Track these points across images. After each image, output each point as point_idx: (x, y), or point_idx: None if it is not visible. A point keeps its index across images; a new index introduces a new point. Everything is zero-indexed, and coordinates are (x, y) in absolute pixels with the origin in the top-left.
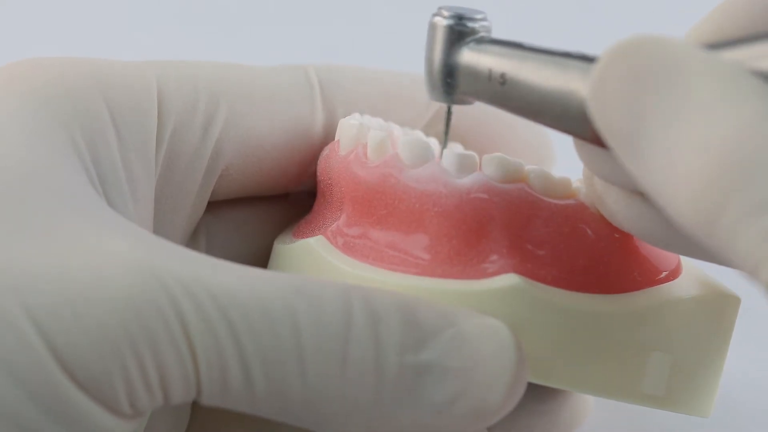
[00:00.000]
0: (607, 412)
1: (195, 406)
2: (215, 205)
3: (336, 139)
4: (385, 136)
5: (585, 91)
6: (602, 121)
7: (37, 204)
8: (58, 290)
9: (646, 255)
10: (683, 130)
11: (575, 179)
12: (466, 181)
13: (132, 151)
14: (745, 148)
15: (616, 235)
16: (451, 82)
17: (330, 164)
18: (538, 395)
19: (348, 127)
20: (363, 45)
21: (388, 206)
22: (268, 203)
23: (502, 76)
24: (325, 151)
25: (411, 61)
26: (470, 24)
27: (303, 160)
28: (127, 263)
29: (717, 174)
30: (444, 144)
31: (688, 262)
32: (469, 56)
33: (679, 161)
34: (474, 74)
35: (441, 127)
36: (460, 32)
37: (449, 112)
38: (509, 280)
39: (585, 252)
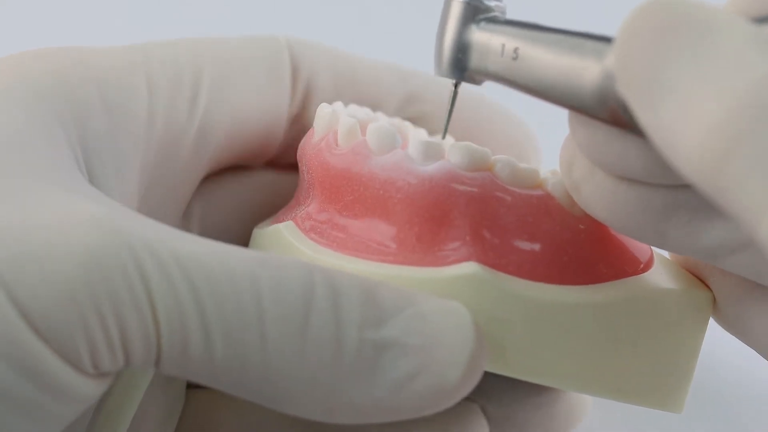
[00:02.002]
0: (606, 411)
1: (189, 393)
2: (207, 187)
3: (313, 126)
4: (354, 123)
5: (598, 67)
6: (624, 72)
7: (5, 167)
8: (20, 243)
9: (614, 247)
10: (703, 77)
11: (545, 171)
12: (430, 168)
13: (118, 127)
14: (764, 96)
15: (581, 227)
16: (462, 58)
17: (305, 151)
18: (534, 388)
19: (322, 115)
20: (353, 38)
21: (354, 192)
22: (258, 189)
23: (515, 51)
24: (303, 139)
25: (403, 58)
26: (486, 1)
27: (274, 124)
28: (92, 221)
29: (732, 118)
30: (447, 123)
31: (662, 257)
32: (482, 33)
33: (694, 105)
34: (486, 50)
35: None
36: (475, 8)
37: (456, 90)
38: (468, 268)
39: (548, 242)
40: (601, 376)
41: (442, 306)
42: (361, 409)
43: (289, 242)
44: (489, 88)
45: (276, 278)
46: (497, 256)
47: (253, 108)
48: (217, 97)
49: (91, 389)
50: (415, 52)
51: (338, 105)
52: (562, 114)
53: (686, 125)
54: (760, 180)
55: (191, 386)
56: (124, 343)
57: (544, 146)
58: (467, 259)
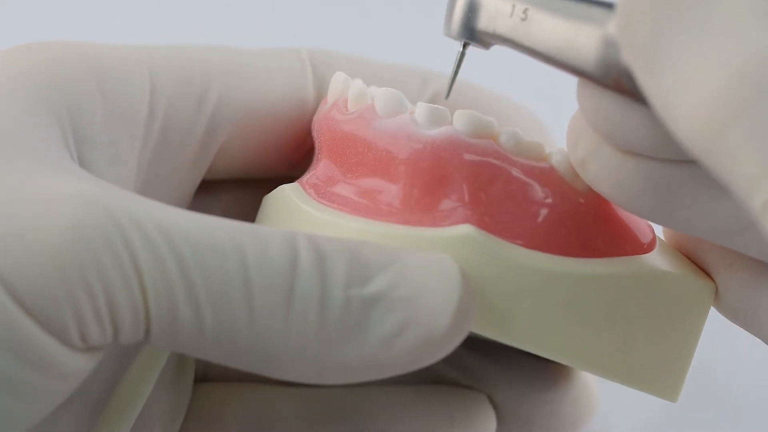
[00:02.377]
0: (612, 411)
1: (196, 386)
2: (213, 186)
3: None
4: (363, 88)
5: (604, 33)
6: (626, 37)
7: None
8: (5, 218)
9: (615, 225)
10: (708, 44)
11: (551, 147)
12: (434, 132)
13: (116, 117)
14: (765, 68)
15: (582, 201)
16: (471, 18)
17: (318, 118)
18: (542, 384)
19: (335, 84)
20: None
21: (358, 155)
22: (268, 186)
23: (525, 11)
24: (318, 109)
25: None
26: None
27: (297, 135)
28: (78, 196)
29: (732, 88)
30: (451, 82)
31: (665, 244)
32: None
33: (697, 73)
34: (495, 10)
35: None
36: None
37: (463, 52)
38: (463, 230)
39: (547, 213)
40: (594, 352)
41: (427, 258)
42: (352, 368)
43: (292, 202)
44: (499, 76)
45: (261, 248)
46: (494, 222)
47: (268, 117)
48: (228, 101)
49: (80, 364)
50: (414, 53)
51: (358, 81)
52: (571, 106)
53: (687, 93)
54: (756, 151)
55: (198, 380)
56: (113, 316)
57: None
58: (464, 221)
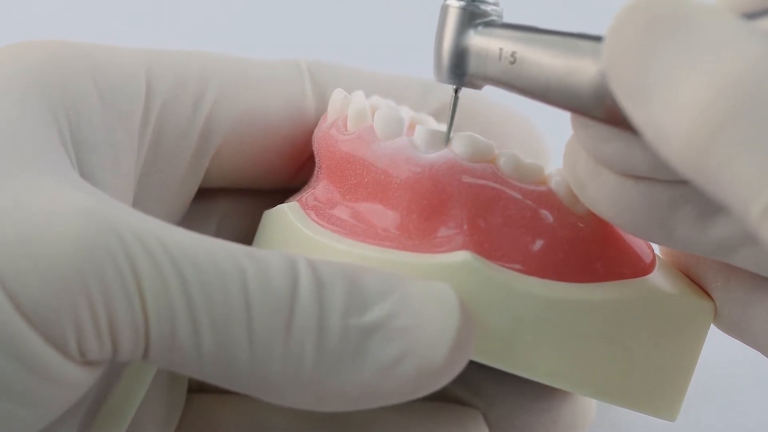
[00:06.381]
0: (612, 418)
1: (189, 396)
2: (211, 194)
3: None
4: (363, 108)
5: (595, 68)
6: (613, 70)
7: None
8: (11, 227)
9: (614, 249)
10: (688, 68)
11: (551, 169)
12: (432, 156)
13: (115, 118)
14: (750, 81)
15: (581, 225)
16: (460, 63)
17: (317, 135)
18: (538, 393)
19: (335, 100)
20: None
21: (357, 176)
22: (267, 196)
23: (513, 54)
24: (318, 125)
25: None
26: (482, 6)
27: (296, 144)
28: (81, 209)
29: (715, 102)
30: (449, 127)
31: (666, 264)
32: (479, 38)
33: (680, 95)
34: (484, 55)
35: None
36: (472, 13)
37: (456, 96)
38: (461, 256)
39: (546, 238)
40: (593, 377)
41: (427, 287)
42: (350, 395)
43: (290, 222)
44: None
45: (261, 270)
46: (492, 248)
47: (265, 124)
48: (224, 106)
49: (79, 377)
50: (415, 55)
51: (358, 93)
52: (567, 115)
53: (673, 115)
54: (746, 159)
55: (192, 389)
56: (113, 330)
57: (552, 148)
58: (462, 248)
